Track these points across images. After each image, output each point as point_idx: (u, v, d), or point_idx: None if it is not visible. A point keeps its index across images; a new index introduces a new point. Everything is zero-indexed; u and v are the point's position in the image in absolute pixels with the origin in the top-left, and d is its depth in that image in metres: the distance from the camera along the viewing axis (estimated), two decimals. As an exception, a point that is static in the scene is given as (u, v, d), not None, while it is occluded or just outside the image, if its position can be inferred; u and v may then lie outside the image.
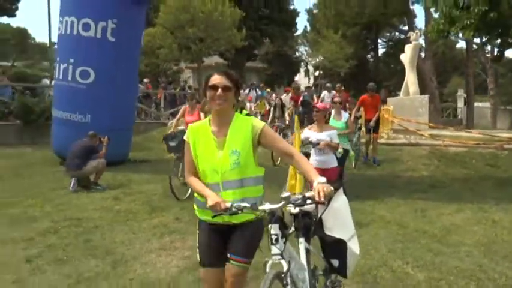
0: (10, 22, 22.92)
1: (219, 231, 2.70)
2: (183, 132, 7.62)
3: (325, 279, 3.07)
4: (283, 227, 2.51)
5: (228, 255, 2.62)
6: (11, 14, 17.85)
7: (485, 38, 12.32)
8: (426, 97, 16.20)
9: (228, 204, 2.44)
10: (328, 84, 18.16)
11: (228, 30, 19.15)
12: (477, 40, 15.25)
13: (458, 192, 8.27)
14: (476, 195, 7.99)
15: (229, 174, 2.60)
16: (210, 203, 2.47)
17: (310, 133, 6.36)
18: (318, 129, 6.30)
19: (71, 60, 10.64)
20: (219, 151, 2.63)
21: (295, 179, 6.60)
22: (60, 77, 10.87)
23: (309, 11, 36.76)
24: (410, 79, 16.68)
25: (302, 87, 24.66)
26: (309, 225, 2.86)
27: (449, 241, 5.37)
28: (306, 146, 6.46)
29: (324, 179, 2.42)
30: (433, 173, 9.82)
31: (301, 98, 16.33)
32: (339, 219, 2.91)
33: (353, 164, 9.95)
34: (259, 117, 15.69)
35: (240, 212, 2.44)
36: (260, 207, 2.45)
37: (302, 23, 59.23)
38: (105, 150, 8.49)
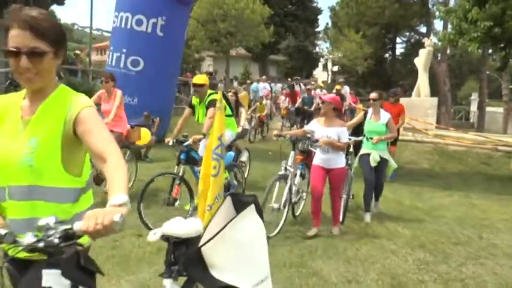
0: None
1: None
2: None
3: None
4: (78, 269, 1.53)
5: None
6: (61, 2, 19.45)
7: (491, 50, 13.70)
8: (435, 99, 17.60)
9: None
10: (341, 80, 18.97)
11: (257, 27, 20.71)
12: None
13: (451, 183, 9.80)
14: (466, 186, 9.52)
15: (18, 175, 1.70)
16: None
17: (316, 127, 5.56)
18: (325, 123, 5.48)
19: (124, 50, 12.24)
20: (19, 137, 1.74)
21: (207, 184, 4.76)
22: (113, 63, 12.47)
23: (331, 9, 38.03)
24: (423, 82, 18.06)
25: (320, 82, 25.48)
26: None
27: (434, 214, 6.93)
28: (306, 143, 5.99)
29: (121, 201, 1.48)
30: (433, 166, 11.35)
31: (299, 100, 15.98)
32: (240, 254, 1.97)
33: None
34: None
35: None
36: (22, 240, 1.49)
37: (324, 19, 60.42)
38: (156, 129, 10.13)
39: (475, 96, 41.96)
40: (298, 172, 5.78)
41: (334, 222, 5.61)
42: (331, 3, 54.09)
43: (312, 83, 33.12)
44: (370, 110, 6.53)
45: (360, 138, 6.45)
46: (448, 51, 32.85)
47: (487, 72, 36.30)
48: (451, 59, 41.91)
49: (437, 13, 15.39)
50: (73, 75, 17.57)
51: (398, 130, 9.06)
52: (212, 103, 5.71)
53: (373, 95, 6.53)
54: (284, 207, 5.41)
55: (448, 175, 10.59)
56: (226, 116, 5.89)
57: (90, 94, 13.40)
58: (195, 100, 6.24)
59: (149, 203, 5.74)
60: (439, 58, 31.53)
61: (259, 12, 20.32)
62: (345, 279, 4.14)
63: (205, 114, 5.94)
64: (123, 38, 12.44)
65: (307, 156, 5.80)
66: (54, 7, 21.79)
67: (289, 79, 20.03)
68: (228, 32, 20.64)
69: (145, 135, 7.27)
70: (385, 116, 6.37)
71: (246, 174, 8.11)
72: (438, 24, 48.75)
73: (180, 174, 5.43)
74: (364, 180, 6.38)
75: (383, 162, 6.32)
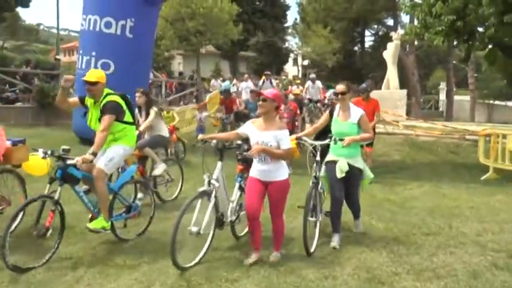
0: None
1: None
2: None
3: None
4: None
5: None
6: (25, 5, 19.17)
7: (455, 42, 14.08)
8: (404, 91, 18.03)
9: None
10: (312, 75, 18.34)
11: (226, 25, 20.77)
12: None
13: (422, 173, 10.11)
14: (436, 176, 9.82)
15: None
16: None
17: (251, 130, 4.55)
18: (262, 126, 4.49)
19: (93, 53, 12.11)
20: None
21: None
22: (83, 67, 12.31)
23: (299, 4, 38.31)
24: (392, 74, 18.47)
25: (290, 77, 25.03)
26: None
27: (406, 206, 7.17)
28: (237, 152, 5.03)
29: None
30: (404, 157, 11.66)
31: (241, 105, 13.00)
32: None
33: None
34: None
35: None
36: None
37: (293, 14, 60.75)
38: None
39: (443, 86, 42.99)
40: (237, 185, 5.04)
41: (275, 246, 4.68)
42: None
43: (283, 77, 33.34)
44: (337, 107, 5.31)
45: (327, 141, 5.25)
46: (416, 43, 33.50)
47: (454, 62, 37.25)
48: (419, 50, 42.76)
49: (403, 7, 15.78)
50: (55, 80, 17.25)
51: (374, 128, 8.48)
52: (110, 107, 4.85)
53: (340, 87, 5.20)
54: (209, 229, 4.60)
55: (418, 166, 10.90)
56: (125, 123, 5.10)
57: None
58: (88, 100, 5.11)
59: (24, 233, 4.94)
60: (407, 50, 32.17)
61: (227, 10, 20.40)
62: (322, 275, 4.27)
63: (99, 120, 4.90)
64: (92, 41, 12.30)
65: (248, 165, 4.80)
66: (19, 8, 21.37)
67: (263, 76, 18.69)
68: (197, 31, 20.64)
69: (38, 165, 5.13)
70: (356, 113, 5.14)
71: (178, 191, 7.42)
72: (405, 17, 49.62)
73: (56, 197, 4.48)
74: (330, 195, 5.31)
75: (355, 171, 5.13)
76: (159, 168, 6.92)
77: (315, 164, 5.29)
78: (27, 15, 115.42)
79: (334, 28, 33.46)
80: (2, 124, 15.13)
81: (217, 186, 4.60)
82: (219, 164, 4.77)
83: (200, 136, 4.95)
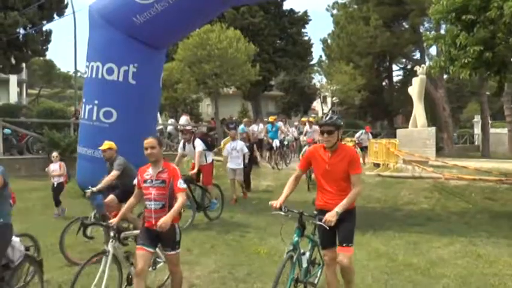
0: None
1: None
2: None
3: None
4: None
5: None
6: (43, 54, 19.78)
7: (485, 75, 12.91)
8: (433, 129, 16.74)
9: None
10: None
11: (243, 66, 20.13)
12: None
13: (453, 226, 8.81)
14: (469, 229, 8.54)
15: None
16: None
17: None
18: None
19: (96, 102, 11.56)
20: None
21: None
22: (86, 117, 11.79)
23: (323, 41, 37.71)
24: (418, 111, 17.26)
25: (319, 115, 23.98)
26: None
27: (431, 273, 5.96)
28: None
29: None
30: (433, 206, 10.37)
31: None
32: None
33: None
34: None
35: None
36: None
37: (317, 51, 60.41)
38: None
39: (477, 119, 41.23)
40: None
41: None
42: (323, 35, 54.32)
43: (313, 115, 32.34)
44: None
45: None
46: (445, 76, 32.21)
47: (487, 93, 35.59)
48: (450, 83, 41.33)
49: (426, 40, 14.80)
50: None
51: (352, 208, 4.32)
52: None
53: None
54: None
55: (449, 216, 9.61)
56: None
57: (71, 147, 12.60)
58: None
59: None
60: (437, 84, 30.91)
61: (243, 50, 19.82)
62: None
63: None
64: (95, 89, 11.77)
65: None
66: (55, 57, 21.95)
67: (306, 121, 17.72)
68: (213, 73, 20.09)
69: None
70: None
71: None
72: (433, 49, 48.45)
73: None
74: None
75: None
76: None
77: None
78: (62, 63, 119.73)
79: (359, 64, 32.58)
80: (11, 175, 14.89)
81: None
82: None
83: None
